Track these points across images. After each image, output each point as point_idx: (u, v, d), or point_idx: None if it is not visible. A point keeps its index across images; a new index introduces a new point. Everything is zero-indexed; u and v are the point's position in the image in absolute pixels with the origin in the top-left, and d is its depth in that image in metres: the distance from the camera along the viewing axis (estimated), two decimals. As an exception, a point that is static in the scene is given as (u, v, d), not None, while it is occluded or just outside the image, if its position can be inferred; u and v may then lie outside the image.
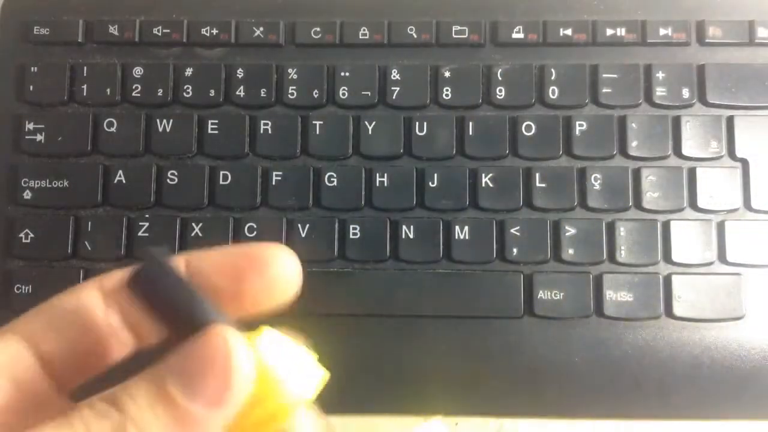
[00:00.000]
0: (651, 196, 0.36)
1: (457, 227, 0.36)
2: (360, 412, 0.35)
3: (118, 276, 0.22)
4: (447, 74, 0.37)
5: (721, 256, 0.36)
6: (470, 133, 0.37)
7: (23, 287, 0.36)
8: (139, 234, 0.36)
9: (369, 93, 0.37)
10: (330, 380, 0.20)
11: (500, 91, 0.37)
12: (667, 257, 0.36)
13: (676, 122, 0.37)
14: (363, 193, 0.36)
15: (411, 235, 0.36)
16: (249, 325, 0.20)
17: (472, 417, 0.35)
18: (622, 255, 0.35)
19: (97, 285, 0.21)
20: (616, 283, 0.35)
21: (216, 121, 0.37)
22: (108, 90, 0.38)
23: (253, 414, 0.18)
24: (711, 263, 0.36)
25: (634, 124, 0.37)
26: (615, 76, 0.37)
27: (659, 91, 0.37)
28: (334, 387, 0.20)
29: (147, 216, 0.36)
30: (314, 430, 0.20)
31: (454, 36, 0.38)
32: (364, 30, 0.38)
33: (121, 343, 0.21)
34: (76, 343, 0.21)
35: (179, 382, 0.18)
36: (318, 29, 0.38)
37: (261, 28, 0.38)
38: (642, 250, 0.35)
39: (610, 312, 0.35)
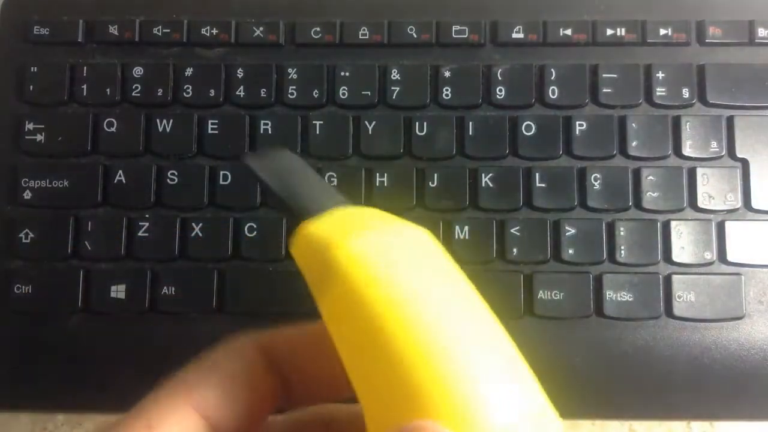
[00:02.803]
0: (651, 196, 0.36)
1: (457, 227, 0.36)
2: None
3: (275, 334, 0.21)
4: (447, 74, 0.37)
5: (721, 256, 0.36)
6: (470, 133, 0.37)
7: (23, 287, 0.36)
8: (139, 234, 0.36)
9: (369, 93, 0.37)
10: None
11: (500, 91, 0.37)
12: (667, 257, 0.35)
13: (676, 122, 0.37)
14: (363, 192, 0.36)
15: (411, 235, 0.36)
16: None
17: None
18: (622, 255, 0.35)
19: (255, 342, 0.21)
20: (616, 283, 0.35)
21: (216, 121, 0.37)
22: (108, 90, 0.38)
23: None
24: (711, 263, 0.36)
25: (634, 124, 0.37)
26: (615, 76, 0.37)
27: (659, 91, 0.37)
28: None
29: (147, 216, 0.36)
30: None
31: (454, 36, 0.38)
32: (364, 30, 0.38)
33: (274, 401, 0.21)
34: (244, 406, 0.20)
35: None
36: (318, 29, 0.38)
37: (261, 28, 0.38)
38: (642, 250, 0.35)
39: (610, 312, 0.35)
